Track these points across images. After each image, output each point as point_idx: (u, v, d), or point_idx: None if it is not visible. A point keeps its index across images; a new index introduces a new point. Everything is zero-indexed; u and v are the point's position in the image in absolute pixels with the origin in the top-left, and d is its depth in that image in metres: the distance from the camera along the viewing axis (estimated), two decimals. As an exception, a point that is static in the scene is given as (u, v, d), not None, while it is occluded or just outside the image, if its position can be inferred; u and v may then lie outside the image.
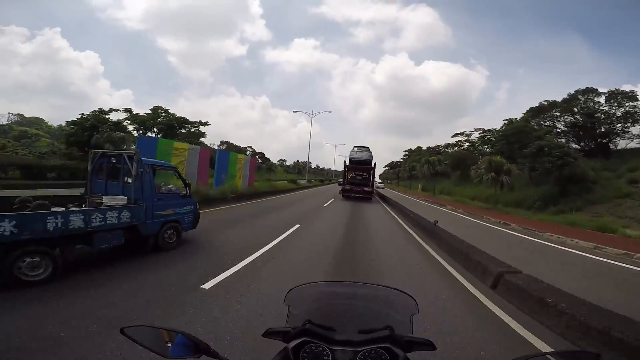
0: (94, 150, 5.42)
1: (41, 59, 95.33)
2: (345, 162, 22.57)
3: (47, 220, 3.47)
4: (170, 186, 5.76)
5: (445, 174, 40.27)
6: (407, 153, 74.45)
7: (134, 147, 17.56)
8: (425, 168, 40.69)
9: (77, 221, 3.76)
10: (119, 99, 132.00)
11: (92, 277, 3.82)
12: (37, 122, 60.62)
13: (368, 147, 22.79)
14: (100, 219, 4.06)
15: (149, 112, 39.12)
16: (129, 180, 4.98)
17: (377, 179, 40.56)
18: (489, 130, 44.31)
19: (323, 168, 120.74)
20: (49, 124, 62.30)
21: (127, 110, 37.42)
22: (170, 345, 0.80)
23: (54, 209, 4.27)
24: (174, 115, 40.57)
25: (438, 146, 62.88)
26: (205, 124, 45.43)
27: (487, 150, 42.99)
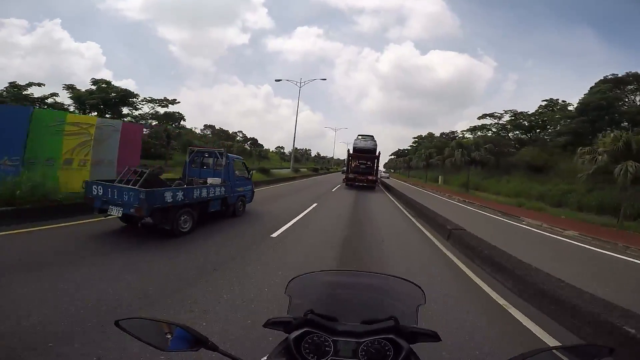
0: (190, 147, 7.72)
1: (42, 51, 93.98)
2: (349, 150, 22.67)
3: (194, 192, 5.79)
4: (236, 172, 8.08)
5: (485, 162, 30.26)
6: (416, 140, 70.64)
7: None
8: (457, 154, 29.31)
9: (205, 192, 6.09)
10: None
11: (205, 231, 6.08)
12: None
13: (372, 136, 22.61)
14: (213, 192, 6.38)
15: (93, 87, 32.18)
16: (217, 168, 7.30)
17: (381, 168, 38.50)
18: (521, 113, 39.14)
19: (325, 156, 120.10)
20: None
21: (69, 87, 31.55)
22: (169, 337, 0.78)
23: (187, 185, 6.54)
24: (118, 88, 32.98)
25: (453, 132, 56.49)
26: (172, 102, 38.74)
27: (518, 136, 38.96)
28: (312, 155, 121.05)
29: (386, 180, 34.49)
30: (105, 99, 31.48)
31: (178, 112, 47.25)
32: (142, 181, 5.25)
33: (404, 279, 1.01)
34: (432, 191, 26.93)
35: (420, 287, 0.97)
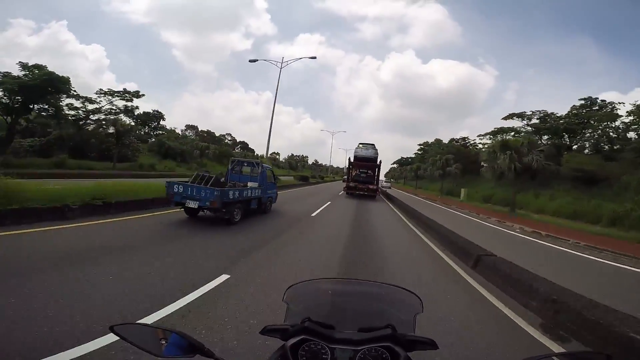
0: (232, 158, 9.66)
1: (48, 52, 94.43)
2: (349, 159, 22.70)
3: (244, 192, 7.68)
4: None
5: (539, 170, 19.91)
6: (422, 147, 65.79)
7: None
8: (504, 159, 19.61)
9: (250, 193, 7.99)
10: None
11: (246, 223, 7.88)
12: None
13: (373, 144, 22.34)
14: (254, 193, 8.27)
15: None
16: (253, 174, 9.23)
17: (382, 178, 37.73)
18: (551, 114, 35.19)
19: (322, 164, 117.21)
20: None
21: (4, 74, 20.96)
22: (163, 343, 0.78)
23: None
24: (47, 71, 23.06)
25: (464, 139, 52.74)
26: (136, 94, 31.65)
27: (550, 141, 33.34)
28: (310, 162, 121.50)
29: (388, 191, 32.64)
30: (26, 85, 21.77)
31: (156, 111, 45.42)
32: (212, 183, 7.14)
33: (402, 288, 1.02)
34: (463, 211, 19.20)
35: (417, 296, 0.98)
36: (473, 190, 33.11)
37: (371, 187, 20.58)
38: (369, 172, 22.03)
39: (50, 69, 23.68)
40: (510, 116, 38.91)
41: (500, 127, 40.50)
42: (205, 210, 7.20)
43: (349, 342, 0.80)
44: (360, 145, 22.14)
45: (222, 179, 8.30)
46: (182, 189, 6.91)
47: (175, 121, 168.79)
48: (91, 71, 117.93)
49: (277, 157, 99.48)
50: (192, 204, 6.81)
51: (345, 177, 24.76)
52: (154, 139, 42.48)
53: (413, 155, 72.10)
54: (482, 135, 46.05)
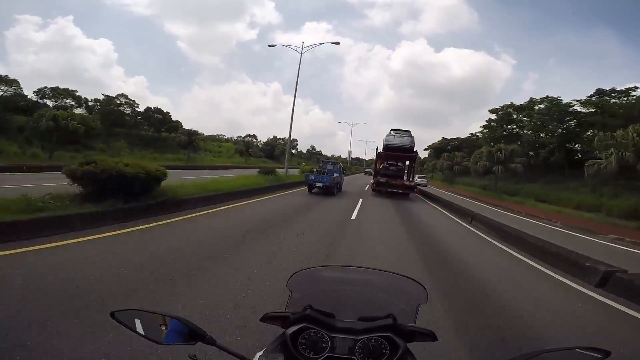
0: (321, 159, 17.12)
1: (55, 47, 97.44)
2: (377, 149, 19.99)
3: (337, 178, 15.04)
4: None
5: None
6: (491, 123, 43.93)
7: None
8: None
9: (339, 179, 15.33)
10: (133, 85, 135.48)
11: (337, 197, 14.95)
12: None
13: (409, 131, 18.34)
14: (338, 180, 15.54)
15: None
16: (335, 168, 16.60)
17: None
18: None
19: (325, 155, 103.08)
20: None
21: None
22: (164, 330, 0.79)
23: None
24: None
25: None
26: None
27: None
28: (325, 154, 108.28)
29: (423, 189, 23.50)
30: None
31: (157, 108, 42.42)
32: (326, 171, 14.59)
33: (407, 277, 1.00)
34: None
35: (423, 286, 0.96)
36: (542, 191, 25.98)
37: (407, 183, 17.05)
38: (399, 164, 19.29)
39: (59, 63, 27.58)
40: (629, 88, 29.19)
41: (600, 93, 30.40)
42: (317, 188, 14.53)
43: (349, 331, 0.81)
44: (392, 133, 18.22)
45: (325, 171, 15.52)
46: (313, 177, 14.29)
47: (185, 115, 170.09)
48: (100, 65, 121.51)
49: (296, 146, 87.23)
50: (320, 185, 14.18)
51: (368, 169, 24.11)
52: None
53: (479, 134, 49.26)
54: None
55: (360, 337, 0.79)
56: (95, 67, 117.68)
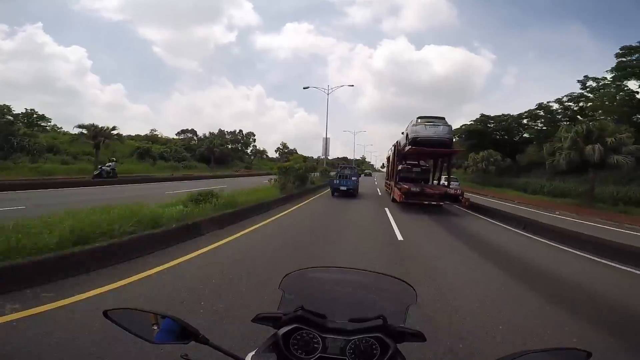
0: (340, 164, 18.74)
1: (25, 55, 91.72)
2: (397, 143, 15.66)
3: (351, 181, 16.61)
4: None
5: None
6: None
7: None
8: None
9: (357, 182, 17.04)
10: (110, 94, 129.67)
11: (357, 198, 16.62)
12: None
13: (444, 118, 13.52)
14: (356, 182, 17.20)
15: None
16: (352, 172, 18.23)
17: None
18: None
19: (312, 157, 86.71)
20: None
21: None
22: (156, 329, 0.79)
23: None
24: None
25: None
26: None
27: None
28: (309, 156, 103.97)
29: (479, 202, 14.97)
30: None
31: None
32: (346, 175, 16.21)
33: (397, 278, 1.02)
34: None
35: (412, 287, 0.98)
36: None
37: (451, 191, 12.10)
38: (424, 163, 15.83)
39: (30, 72, 21.69)
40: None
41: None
42: (338, 192, 16.05)
43: (341, 331, 0.82)
44: (421, 121, 13.15)
45: (345, 175, 17.12)
46: (337, 182, 15.89)
47: (167, 122, 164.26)
48: (73, 73, 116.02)
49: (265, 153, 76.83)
50: (344, 188, 15.79)
51: (387, 172, 17.67)
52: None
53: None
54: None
55: (351, 338, 0.81)
56: (69, 75, 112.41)
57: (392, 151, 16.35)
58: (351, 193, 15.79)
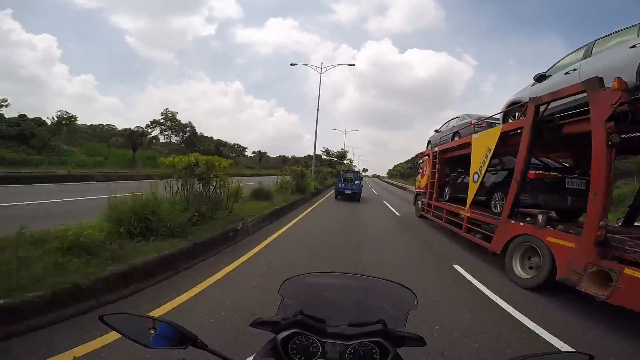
0: (343, 169, 18.84)
1: None
2: (431, 140, 10.81)
3: (355, 185, 16.88)
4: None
5: None
6: None
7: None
8: None
9: (360, 185, 17.26)
10: (79, 84, 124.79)
11: (359, 202, 17.04)
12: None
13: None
14: (359, 186, 17.46)
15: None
16: (355, 176, 18.46)
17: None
18: None
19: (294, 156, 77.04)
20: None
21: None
22: (152, 334, 0.78)
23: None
24: None
25: None
26: None
27: None
28: (273, 156, 71.17)
29: None
30: None
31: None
32: (350, 179, 16.40)
33: (397, 283, 1.02)
34: None
35: (412, 292, 0.97)
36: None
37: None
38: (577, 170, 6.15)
39: None
40: None
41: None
42: (341, 195, 16.25)
43: (340, 336, 0.82)
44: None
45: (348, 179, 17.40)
46: (342, 185, 16.04)
47: (139, 116, 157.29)
48: (39, 61, 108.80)
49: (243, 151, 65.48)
50: (348, 191, 15.98)
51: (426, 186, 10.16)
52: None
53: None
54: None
55: (350, 343, 0.80)
56: (34, 63, 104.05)
57: (432, 155, 9.69)
58: (355, 197, 16.19)
